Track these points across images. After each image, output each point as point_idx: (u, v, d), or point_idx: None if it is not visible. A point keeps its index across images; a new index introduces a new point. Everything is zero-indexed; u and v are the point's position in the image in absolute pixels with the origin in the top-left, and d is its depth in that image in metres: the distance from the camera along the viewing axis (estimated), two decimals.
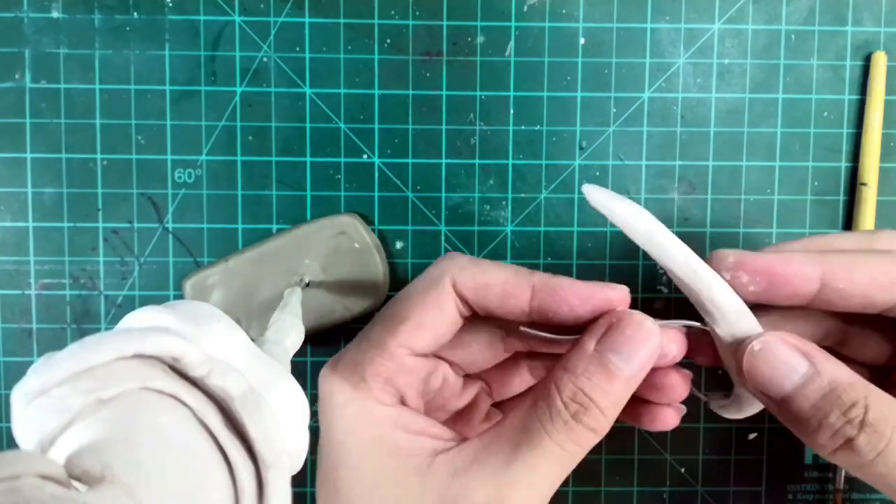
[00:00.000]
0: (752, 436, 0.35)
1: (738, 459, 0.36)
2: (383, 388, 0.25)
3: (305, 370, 0.35)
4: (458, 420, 0.29)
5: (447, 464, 0.24)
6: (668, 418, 0.28)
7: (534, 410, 0.24)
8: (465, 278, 0.25)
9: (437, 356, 0.28)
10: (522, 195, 0.35)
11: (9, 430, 0.35)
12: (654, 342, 0.24)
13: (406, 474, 0.24)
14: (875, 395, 0.22)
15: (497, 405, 0.31)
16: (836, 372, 0.23)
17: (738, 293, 0.24)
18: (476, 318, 0.27)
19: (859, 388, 0.22)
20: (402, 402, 0.26)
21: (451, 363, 0.29)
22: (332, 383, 0.25)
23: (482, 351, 0.29)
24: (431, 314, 0.25)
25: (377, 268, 0.34)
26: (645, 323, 0.24)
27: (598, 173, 0.34)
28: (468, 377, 0.30)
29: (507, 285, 0.25)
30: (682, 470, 0.35)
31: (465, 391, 0.30)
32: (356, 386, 0.25)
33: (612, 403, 0.24)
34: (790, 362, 0.23)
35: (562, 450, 0.23)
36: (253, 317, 0.33)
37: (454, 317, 0.26)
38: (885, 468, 0.22)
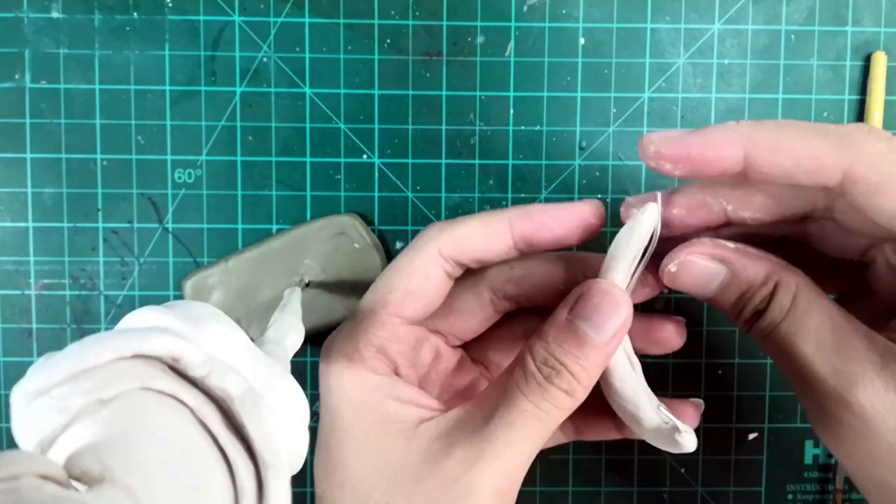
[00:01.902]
0: (752, 436, 0.35)
1: (738, 459, 0.36)
2: (376, 357, 0.26)
3: (305, 370, 0.35)
4: (460, 402, 0.30)
5: (430, 428, 0.25)
6: (670, 339, 0.29)
7: (510, 375, 0.25)
8: (446, 238, 0.27)
9: (429, 329, 0.29)
10: (522, 195, 0.35)
11: (9, 430, 0.35)
12: (623, 311, 0.24)
13: (392, 437, 0.25)
14: (786, 278, 0.24)
15: None
16: (752, 271, 0.24)
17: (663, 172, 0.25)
18: (463, 283, 0.28)
19: (770, 283, 0.24)
20: (396, 373, 0.27)
21: (443, 335, 0.30)
22: (328, 354, 0.27)
23: (473, 316, 0.30)
24: (417, 281, 0.27)
25: (377, 268, 0.34)
26: (612, 291, 0.25)
27: (598, 173, 0.34)
28: (472, 360, 0.31)
29: (486, 227, 0.26)
30: (682, 470, 0.35)
31: (464, 370, 0.31)
32: (351, 357, 0.26)
33: (583, 369, 0.24)
34: (707, 271, 0.25)
35: (537, 408, 0.24)
36: (253, 317, 0.33)
37: (441, 280, 0.27)
38: (779, 341, 0.24)
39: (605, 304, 0.24)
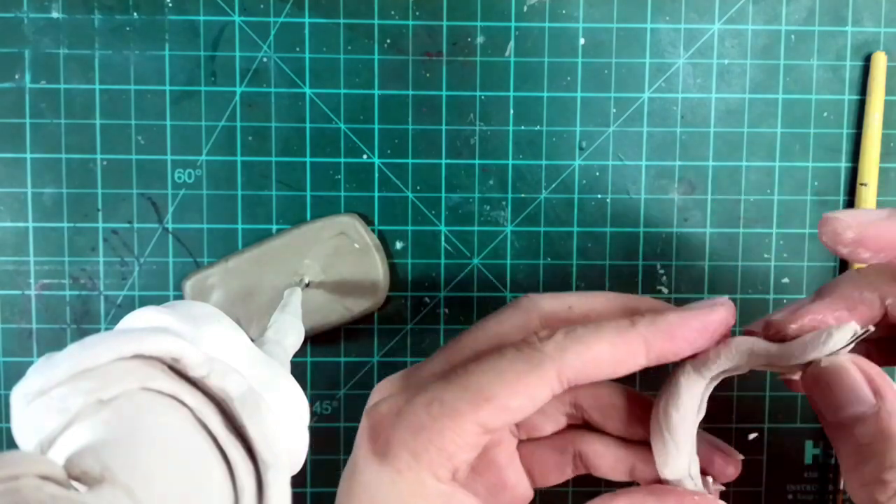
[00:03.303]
0: (752, 436, 0.35)
1: None
2: (443, 464, 0.23)
3: (305, 370, 0.35)
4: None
5: None
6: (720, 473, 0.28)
7: None
8: (570, 362, 0.22)
9: None
10: (522, 195, 0.35)
11: (9, 430, 0.35)
12: None
13: None
14: None
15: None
16: None
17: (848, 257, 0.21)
18: None
19: None
20: (454, 476, 0.24)
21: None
22: (387, 441, 0.23)
23: (546, 422, 0.28)
24: (521, 400, 0.22)
25: (377, 268, 0.34)
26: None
27: (598, 173, 0.34)
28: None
29: (618, 349, 0.23)
30: None
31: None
32: (417, 455, 0.23)
33: None
34: (857, 392, 0.21)
35: None
36: (253, 317, 0.33)
37: (544, 402, 0.23)
38: None
39: None
